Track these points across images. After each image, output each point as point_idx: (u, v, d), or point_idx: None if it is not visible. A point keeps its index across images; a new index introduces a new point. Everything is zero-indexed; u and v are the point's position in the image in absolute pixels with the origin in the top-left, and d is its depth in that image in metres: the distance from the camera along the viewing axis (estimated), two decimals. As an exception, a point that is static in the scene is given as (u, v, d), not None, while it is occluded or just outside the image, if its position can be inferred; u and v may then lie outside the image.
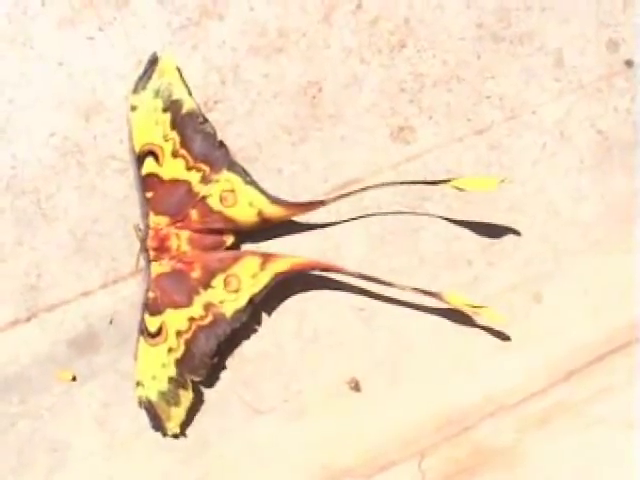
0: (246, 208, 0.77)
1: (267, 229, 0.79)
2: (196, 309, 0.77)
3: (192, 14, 0.81)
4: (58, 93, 0.79)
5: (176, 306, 0.77)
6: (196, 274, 0.77)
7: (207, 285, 0.77)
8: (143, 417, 0.78)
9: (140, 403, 0.77)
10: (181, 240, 0.77)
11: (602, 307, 0.83)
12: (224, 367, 0.80)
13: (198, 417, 0.79)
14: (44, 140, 0.79)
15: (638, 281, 0.83)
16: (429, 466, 0.81)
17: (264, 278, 0.77)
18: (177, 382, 0.77)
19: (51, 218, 0.79)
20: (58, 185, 0.79)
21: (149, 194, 0.77)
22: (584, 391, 0.82)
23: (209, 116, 0.78)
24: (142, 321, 0.76)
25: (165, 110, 0.77)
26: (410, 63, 0.82)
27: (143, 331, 0.77)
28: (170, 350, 0.76)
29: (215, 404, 0.80)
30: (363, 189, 0.78)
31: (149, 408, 0.77)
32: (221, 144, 0.77)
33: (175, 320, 0.77)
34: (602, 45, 0.84)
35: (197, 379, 0.77)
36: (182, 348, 0.76)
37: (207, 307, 0.77)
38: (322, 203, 0.78)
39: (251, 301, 0.77)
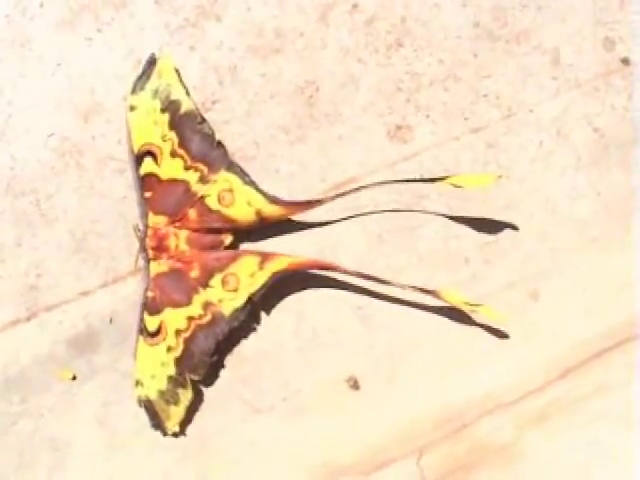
0: (244, 207, 0.78)
1: (265, 228, 0.80)
2: (195, 308, 0.77)
3: (190, 15, 0.81)
4: (57, 94, 0.80)
5: (175, 305, 0.77)
6: (195, 273, 0.78)
7: (206, 284, 0.78)
8: (143, 416, 0.78)
9: (139, 402, 0.78)
10: (180, 239, 0.78)
11: (600, 304, 0.83)
12: (223, 366, 0.80)
13: (197, 416, 0.80)
14: (43, 141, 0.80)
15: (635, 278, 0.83)
16: (428, 463, 0.81)
17: (262, 277, 0.77)
18: (176, 381, 0.77)
19: (50, 218, 0.80)
20: (57, 185, 0.80)
21: (148, 194, 0.77)
22: (582, 388, 0.82)
23: (207, 116, 0.79)
24: (141, 320, 0.77)
25: (163, 110, 0.77)
26: (407, 62, 0.83)
27: (142, 330, 0.77)
28: (169, 349, 0.77)
29: (214, 403, 0.80)
30: (360, 188, 0.79)
31: (149, 407, 0.78)
32: (219, 144, 0.78)
33: (174, 319, 0.77)
34: (599, 43, 0.84)
35: (196, 378, 0.78)
36: (181, 347, 0.77)
37: (206, 306, 0.77)
38: (320, 202, 0.79)
39: (250, 300, 0.77)
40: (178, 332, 0.77)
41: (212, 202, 0.78)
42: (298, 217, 0.80)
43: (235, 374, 0.81)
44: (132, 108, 0.77)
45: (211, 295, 0.77)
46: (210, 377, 0.79)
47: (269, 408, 0.81)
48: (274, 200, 0.78)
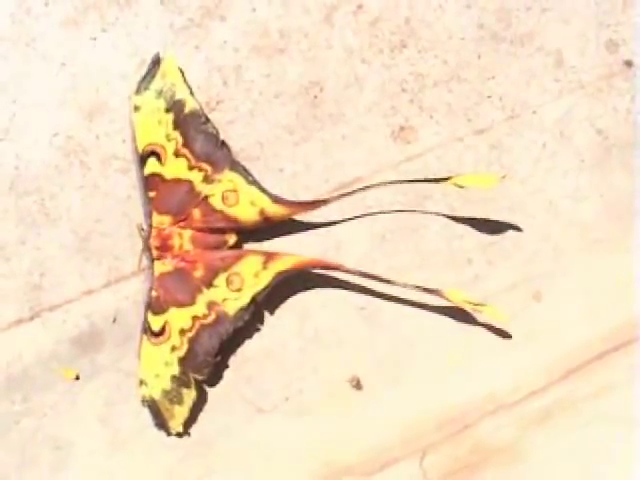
0: (248, 207, 0.78)
1: (269, 228, 0.80)
2: (199, 308, 0.77)
3: (194, 15, 0.81)
4: (61, 93, 0.80)
5: (179, 305, 0.77)
6: (199, 273, 0.78)
7: (210, 284, 0.78)
8: (146, 415, 0.78)
9: (143, 402, 0.78)
10: (184, 239, 0.78)
11: (602, 306, 0.83)
12: (226, 365, 0.80)
13: (200, 415, 0.80)
14: (47, 140, 0.80)
15: (638, 280, 0.83)
16: (430, 464, 0.81)
17: (266, 277, 0.78)
18: (180, 381, 0.78)
19: (54, 217, 0.80)
20: (61, 185, 0.80)
21: (152, 194, 0.78)
22: (584, 389, 0.82)
23: (211, 116, 0.79)
24: (145, 320, 0.77)
25: (168, 110, 0.78)
26: (411, 63, 0.83)
27: (146, 330, 0.77)
28: (173, 349, 0.77)
29: (217, 402, 0.80)
30: (364, 188, 0.79)
31: (152, 407, 0.78)
32: (223, 144, 0.78)
33: (178, 319, 0.77)
34: (602, 45, 0.84)
35: (200, 378, 0.78)
36: (185, 347, 0.77)
37: (210, 306, 0.77)
38: (324, 202, 0.79)
39: (254, 300, 0.77)
40: (182, 332, 0.77)
41: (216, 202, 0.78)
42: (302, 217, 0.80)
43: (238, 374, 0.81)
44: (136, 108, 0.77)
45: (215, 295, 0.78)
46: (213, 377, 0.79)
47: (272, 408, 0.81)
48: (278, 200, 0.78)
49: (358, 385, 0.81)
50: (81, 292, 0.80)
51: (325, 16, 0.82)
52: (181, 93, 0.78)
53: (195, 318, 0.77)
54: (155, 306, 0.77)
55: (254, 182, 0.78)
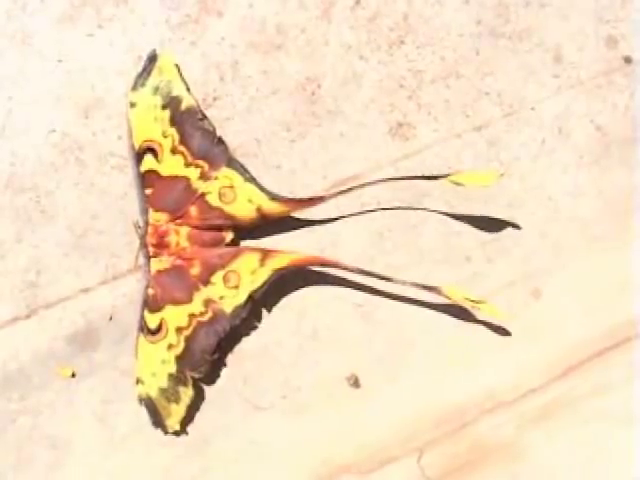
0: (245, 204, 0.78)
1: (266, 225, 0.80)
2: (196, 305, 0.77)
3: (191, 10, 0.82)
4: (57, 90, 0.80)
5: (176, 302, 0.77)
6: (195, 270, 0.78)
7: (207, 281, 0.78)
8: (143, 413, 0.78)
9: (140, 400, 0.78)
10: (180, 236, 0.78)
11: (601, 303, 0.83)
12: (224, 363, 0.80)
13: (198, 413, 0.80)
14: (43, 137, 0.80)
15: (637, 277, 0.83)
16: (428, 462, 0.81)
17: (263, 274, 0.78)
18: (177, 379, 0.78)
19: (50, 215, 0.80)
20: (57, 182, 0.80)
21: (148, 191, 0.78)
22: (583, 387, 0.83)
23: (208, 112, 0.79)
24: (142, 318, 0.77)
25: (164, 107, 0.78)
26: (409, 59, 0.83)
27: (143, 328, 0.77)
28: (170, 347, 0.77)
29: (214, 400, 0.80)
30: (362, 185, 0.79)
31: (149, 405, 0.78)
32: (220, 140, 0.78)
33: (175, 316, 0.77)
34: (601, 41, 0.85)
35: (197, 376, 0.78)
36: (182, 344, 0.77)
37: (207, 303, 0.77)
38: (321, 199, 0.79)
39: (251, 297, 0.78)
40: (179, 329, 0.77)
41: (213, 199, 0.78)
42: (299, 214, 0.81)
43: (235, 372, 0.81)
44: (133, 105, 0.78)
45: (212, 292, 0.78)
46: (210, 375, 0.79)
47: (269, 406, 0.81)
48: (275, 197, 0.78)
49: (356, 383, 0.81)
50: (77, 290, 0.80)
51: (323, 12, 0.82)
52: (177, 90, 0.78)
53: (192, 316, 0.77)
54: (151, 304, 0.77)
55: (251, 179, 0.78)
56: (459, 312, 0.82)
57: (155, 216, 0.78)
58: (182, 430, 0.79)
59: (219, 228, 0.79)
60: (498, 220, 0.83)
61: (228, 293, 0.77)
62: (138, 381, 0.78)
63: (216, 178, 0.78)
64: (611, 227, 0.84)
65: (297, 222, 0.81)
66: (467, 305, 0.79)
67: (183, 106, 0.78)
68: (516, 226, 0.83)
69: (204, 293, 0.77)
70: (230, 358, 0.81)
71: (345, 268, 0.79)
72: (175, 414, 0.78)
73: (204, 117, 0.78)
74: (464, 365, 0.82)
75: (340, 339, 0.82)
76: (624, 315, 0.84)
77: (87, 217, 0.80)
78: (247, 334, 0.81)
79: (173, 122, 0.78)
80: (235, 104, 0.81)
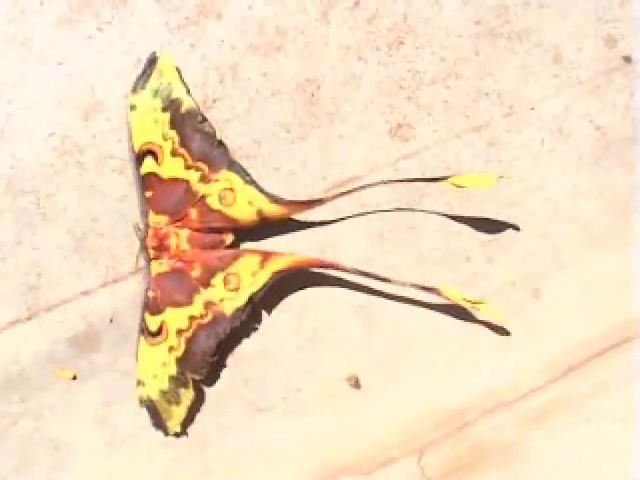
0: (245, 207, 0.78)
1: (266, 227, 0.80)
2: (196, 308, 0.78)
3: (190, 13, 0.82)
4: (57, 93, 0.80)
5: (176, 305, 0.78)
6: (196, 273, 0.78)
7: (207, 284, 0.78)
8: (143, 415, 0.79)
9: (141, 402, 0.78)
10: (180, 239, 0.79)
11: (601, 303, 0.83)
12: (224, 365, 0.81)
13: (198, 415, 0.80)
14: (43, 140, 0.80)
15: (637, 277, 0.84)
16: (428, 462, 0.81)
17: (264, 276, 0.78)
18: (178, 381, 0.78)
19: (50, 217, 0.80)
20: (57, 185, 0.80)
21: (148, 193, 0.78)
22: (583, 387, 0.83)
23: (208, 115, 0.79)
24: (142, 320, 0.78)
25: (164, 109, 0.78)
26: (408, 60, 0.83)
27: (143, 330, 0.78)
28: (171, 349, 0.78)
29: (215, 402, 0.81)
30: (362, 187, 0.79)
31: (150, 407, 0.78)
32: (220, 143, 0.78)
33: (175, 319, 0.78)
34: (600, 41, 0.85)
35: (198, 377, 0.78)
36: (183, 347, 0.78)
37: (207, 305, 0.78)
38: (321, 201, 0.79)
39: (251, 299, 0.78)
40: (179, 332, 0.78)
41: (213, 201, 0.78)
42: (299, 216, 0.81)
43: (236, 373, 0.81)
44: (132, 107, 0.78)
45: (212, 294, 0.78)
46: (211, 376, 0.80)
47: (270, 407, 0.81)
48: (275, 199, 0.79)
49: (356, 384, 0.82)
50: (78, 292, 0.81)
51: (322, 13, 0.83)
52: (177, 92, 0.78)
53: (192, 318, 0.78)
54: (152, 306, 0.78)
55: (251, 181, 0.78)
56: (459, 313, 0.82)
57: (155, 219, 0.78)
58: (183, 432, 0.80)
59: (219, 231, 0.79)
60: (498, 220, 0.83)
61: (228, 295, 0.78)
62: (139, 383, 0.78)
63: (216, 180, 0.78)
64: (611, 227, 0.84)
65: (297, 224, 0.82)
66: (466, 306, 0.79)
67: (183, 108, 0.78)
68: (516, 226, 0.83)
69: (204, 295, 0.78)
70: (231, 360, 0.81)
71: (345, 270, 0.79)
72: (176, 416, 0.79)
73: (204, 119, 0.79)
74: (464, 366, 0.82)
75: (340, 340, 0.82)
76: (624, 315, 0.84)
77: (87, 220, 0.81)
78: (247, 336, 0.81)
79: (173, 125, 0.78)
80: (235, 106, 0.82)
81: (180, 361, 0.78)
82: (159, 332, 0.78)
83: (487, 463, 0.82)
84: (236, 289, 0.78)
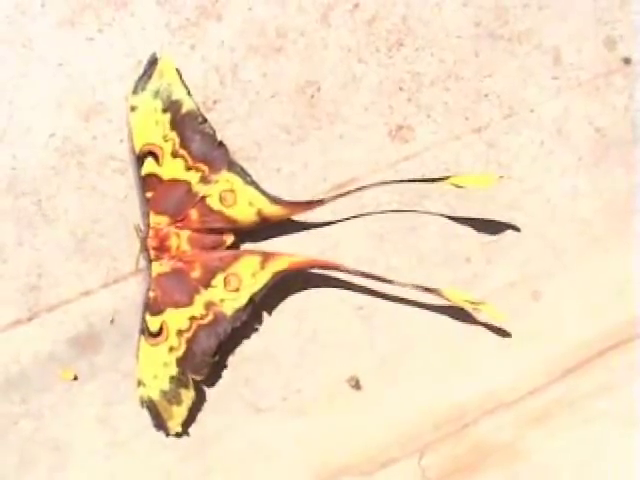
0: (246, 208, 0.79)
1: (267, 228, 0.81)
2: (197, 308, 0.78)
3: (191, 14, 0.82)
4: (58, 94, 0.81)
5: (177, 305, 0.78)
6: (196, 273, 0.79)
7: (207, 284, 0.79)
8: (144, 416, 0.79)
9: (142, 402, 0.79)
10: (181, 240, 0.79)
11: (601, 304, 0.84)
12: (224, 366, 0.81)
13: (199, 416, 0.81)
14: (44, 141, 0.81)
15: (637, 277, 0.84)
16: (429, 463, 0.82)
17: (264, 277, 0.79)
18: (179, 381, 0.79)
19: (51, 218, 0.81)
20: (58, 185, 0.81)
21: (149, 194, 0.79)
22: (584, 387, 0.83)
23: (208, 116, 0.79)
24: (143, 321, 0.78)
25: (165, 110, 0.79)
26: (408, 62, 0.84)
27: (144, 331, 0.78)
28: (171, 349, 0.78)
29: (216, 402, 0.81)
30: (362, 188, 0.80)
31: (151, 407, 0.79)
32: (220, 144, 0.79)
33: (176, 319, 0.78)
34: (600, 43, 0.85)
35: (198, 378, 0.79)
36: (183, 347, 0.78)
37: (208, 306, 0.78)
38: (321, 202, 0.80)
39: (251, 300, 0.78)
40: (180, 332, 0.78)
41: (214, 202, 0.79)
42: (299, 217, 0.81)
43: (236, 374, 0.81)
44: (133, 108, 0.78)
45: (213, 295, 0.79)
46: (211, 377, 0.80)
47: (270, 408, 0.82)
48: (276, 200, 0.79)
49: (357, 385, 0.82)
50: (79, 293, 0.81)
51: (322, 15, 0.83)
52: (178, 93, 0.79)
53: (193, 319, 0.78)
54: (152, 307, 0.78)
55: (252, 182, 0.79)
56: (459, 314, 0.83)
57: (156, 219, 0.79)
58: (184, 432, 0.80)
59: (220, 231, 0.79)
60: (497, 222, 0.83)
61: (229, 296, 0.78)
62: (139, 383, 0.79)
63: (216, 182, 0.79)
64: (611, 228, 0.85)
65: (297, 225, 0.82)
66: (467, 307, 0.80)
67: (184, 110, 0.79)
68: (516, 228, 0.84)
69: (205, 296, 0.78)
70: (231, 360, 0.82)
71: (346, 271, 0.79)
72: (177, 416, 0.79)
73: (204, 121, 0.79)
74: (464, 366, 0.83)
75: (341, 341, 0.82)
76: (624, 316, 0.84)
77: (88, 220, 0.81)
78: (248, 336, 0.82)
79: (174, 126, 0.78)
80: (235, 107, 0.82)
81: (181, 361, 0.78)
82: (159, 332, 0.78)
83: (487, 463, 0.82)
84: (236, 289, 0.78)
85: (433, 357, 0.83)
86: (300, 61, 0.83)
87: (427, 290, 0.79)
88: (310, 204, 0.80)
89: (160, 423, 0.79)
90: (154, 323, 0.78)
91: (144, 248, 0.79)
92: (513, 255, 0.84)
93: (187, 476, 0.81)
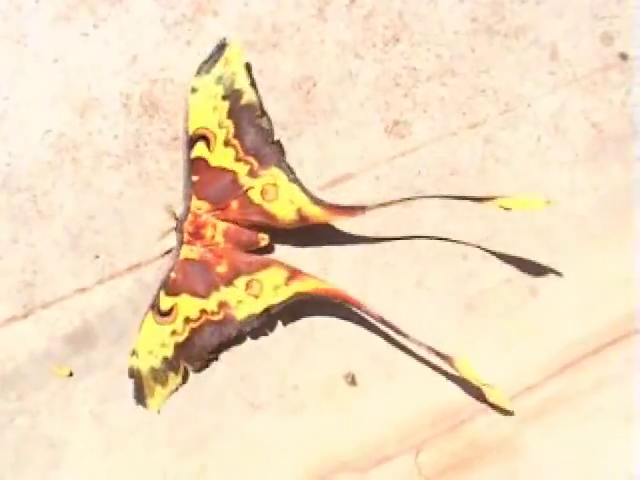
0: (286, 204, 0.79)
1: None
2: (210, 304, 0.79)
3: (186, 10, 0.83)
4: (53, 90, 0.82)
5: (193, 294, 0.79)
6: (222, 269, 0.79)
7: (230, 282, 0.79)
8: (140, 412, 0.80)
9: (130, 371, 0.79)
10: (217, 231, 0.79)
11: (598, 300, 0.84)
12: (221, 362, 0.81)
13: (194, 412, 0.81)
14: (39, 137, 0.81)
15: (634, 274, 0.84)
16: (425, 460, 0.82)
17: (285, 293, 0.79)
18: (170, 364, 0.79)
19: (46, 215, 0.81)
20: (53, 182, 0.81)
21: (195, 177, 0.79)
22: (581, 384, 0.83)
23: (205, 112, 0.80)
24: (157, 296, 0.78)
25: (225, 98, 0.79)
26: (404, 57, 0.84)
27: (154, 306, 0.79)
28: (174, 333, 0.79)
29: (212, 399, 0.81)
30: (404, 200, 0.79)
31: (137, 380, 0.79)
32: (275, 141, 0.79)
33: (188, 306, 0.79)
34: (597, 38, 0.86)
35: (190, 368, 0.80)
36: (186, 335, 0.79)
37: (221, 305, 0.79)
38: (363, 209, 0.79)
39: (266, 310, 0.79)
40: (187, 320, 0.79)
41: (255, 195, 0.79)
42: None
43: (232, 370, 0.82)
44: (194, 90, 0.79)
45: (231, 294, 0.79)
46: (207, 373, 0.81)
47: (266, 404, 0.82)
48: (317, 201, 0.79)
49: (353, 381, 0.82)
50: (74, 289, 0.81)
51: (318, 10, 0.84)
52: (241, 83, 0.79)
53: (203, 311, 0.79)
54: (170, 287, 0.79)
55: (296, 180, 0.79)
56: (455, 310, 0.83)
57: (197, 204, 0.79)
58: (158, 412, 0.81)
59: (256, 228, 0.80)
60: (494, 218, 0.84)
61: (247, 299, 0.79)
62: (133, 353, 0.79)
63: (263, 176, 0.79)
64: (608, 224, 0.85)
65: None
66: (476, 384, 0.79)
67: (243, 100, 0.79)
68: (512, 224, 0.84)
69: (221, 295, 0.79)
70: (227, 356, 0.82)
71: (367, 312, 0.79)
72: (158, 395, 0.80)
73: (263, 114, 0.80)
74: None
75: (337, 337, 0.82)
76: (622, 311, 0.84)
77: (83, 217, 0.81)
78: (244, 333, 0.82)
79: (231, 114, 0.79)
80: (231, 103, 0.83)
81: (178, 347, 0.79)
82: (168, 313, 0.79)
83: (484, 460, 0.82)
84: (256, 296, 0.79)
85: (429, 353, 0.82)
86: (296, 56, 0.83)
87: (439, 355, 0.79)
88: (352, 210, 0.79)
89: (141, 397, 0.80)
90: (166, 302, 0.79)
91: (179, 229, 0.79)
92: (510, 251, 0.84)
93: (183, 473, 0.81)
